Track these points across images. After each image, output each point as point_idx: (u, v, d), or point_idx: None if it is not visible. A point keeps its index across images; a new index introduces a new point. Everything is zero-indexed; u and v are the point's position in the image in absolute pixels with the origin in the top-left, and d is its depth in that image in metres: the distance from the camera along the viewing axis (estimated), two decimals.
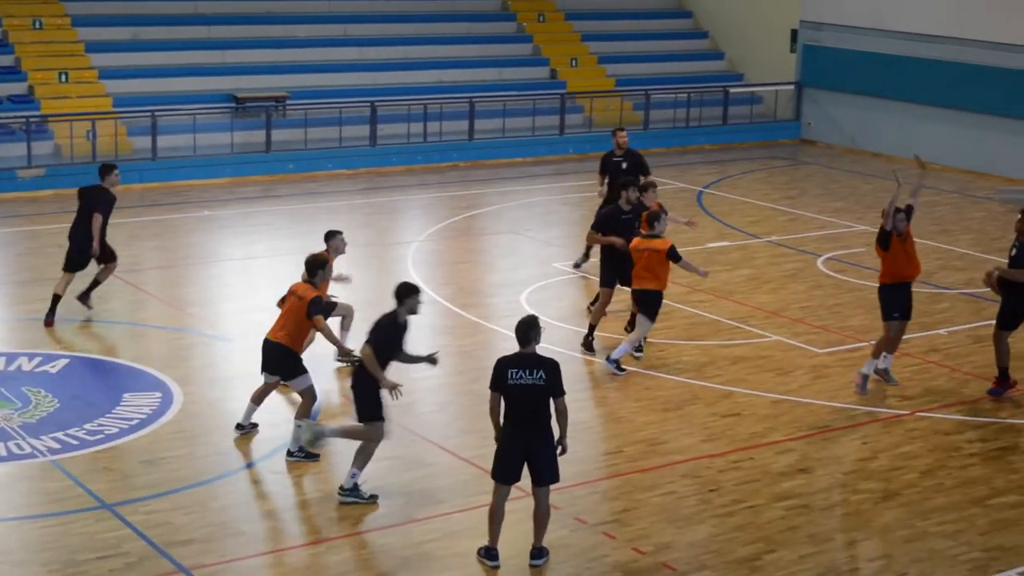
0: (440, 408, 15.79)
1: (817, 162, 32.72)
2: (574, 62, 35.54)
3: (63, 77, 29.25)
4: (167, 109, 28.77)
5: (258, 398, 14.51)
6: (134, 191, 26.63)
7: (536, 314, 12.33)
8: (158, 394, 15.57)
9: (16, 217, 24.42)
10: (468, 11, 36.01)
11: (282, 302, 14.49)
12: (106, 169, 18.27)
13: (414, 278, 20.81)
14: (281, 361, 14.05)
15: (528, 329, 11.64)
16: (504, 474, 11.70)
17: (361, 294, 20.02)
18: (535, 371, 11.50)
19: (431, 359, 13.44)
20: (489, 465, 13.73)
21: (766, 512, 13.08)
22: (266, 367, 14.21)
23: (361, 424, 13.08)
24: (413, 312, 12.98)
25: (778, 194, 28.59)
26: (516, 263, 22.02)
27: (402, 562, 11.93)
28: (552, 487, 11.84)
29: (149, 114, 28.01)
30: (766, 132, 35.32)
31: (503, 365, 11.59)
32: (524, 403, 11.51)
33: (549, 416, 11.61)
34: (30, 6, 30.46)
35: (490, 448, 14.12)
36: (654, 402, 15.89)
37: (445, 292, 20.20)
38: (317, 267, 14.30)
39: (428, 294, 20.09)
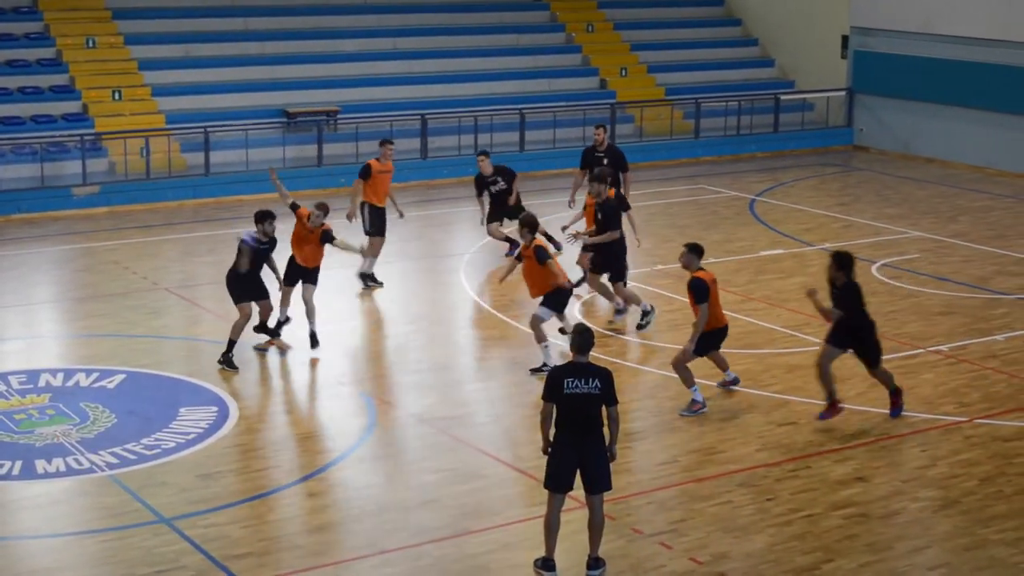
0: (495, 419, 15.78)
1: (870, 168, 32.52)
2: (624, 72, 35.50)
3: (117, 95, 29.49)
4: (219, 125, 28.95)
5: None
6: (187, 207, 26.82)
7: (588, 324, 12.31)
8: (214, 408, 15.64)
9: (72, 234, 24.63)
10: (517, 23, 36.06)
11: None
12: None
13: (467, 290, 20.85)
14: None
15: (588, 338, 11.67)
16: (558, 483, 11.68)
17: (414, 307, 20.10)
18: (591, 380, 11.51)
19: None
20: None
21: (824, 521, 12.99)
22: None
23: None
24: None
25: (831, 201, 28.43)
26: (569, 275, 21.93)
27: (458, 574, 11.92)
28: (607, 497, 11.81)
29: (202, 130, 28.19)
30: (818, 139, 35.15)
31: (559, 375, 11.60)
32: (579, 412, 11.50)
33: (601, 424, 11.61)
34: (83, 25, 30.74)
35: (546, 459, 14.14)
36: (710, 411, 15.81)
37: (498, 304, 20.19)
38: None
39: (481, 306, 20.12)
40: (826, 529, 12.81)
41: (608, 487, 11.72)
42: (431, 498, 13.36)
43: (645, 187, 29.51)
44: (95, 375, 16.81)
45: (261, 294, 17.30)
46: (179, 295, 19.98)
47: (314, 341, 17.68)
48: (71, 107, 29.05)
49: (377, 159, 21.23)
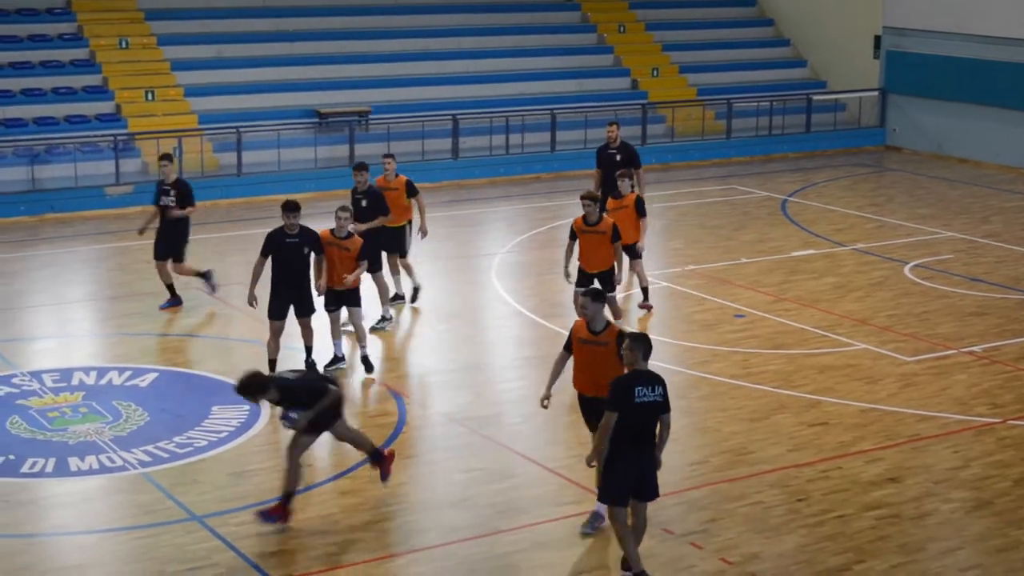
0: (525, 419, 15.77)
1: (903, 169, 32.39)
2: (655, 72, 35.45)
3: (149, 95, 29.63)
4: (251, 125, 29.05)
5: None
6: (220, 207, 26.91)
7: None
8: (246, 407, 15.67)
9: (105, 234, 24.75)
10: (548, 23, 36.06)
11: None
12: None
13: (498, 290, 20.87)
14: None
15: (649, 344, 11.50)
16: (624, 496, 11.42)
17: (446, 306, 20.12)
18: (656, 387, 11.32)
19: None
20: (576, 476, 13.77)
21: (856, 522, 12.94)
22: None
23: None
24: None
25: (864, 201, 28.33)
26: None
27: (488, 573, 11.92)
28: None
29: (234, 130, 28.29)
30: (850, 139, 35.04)
31: (629, 384, 11.29)
32: (643, 421, 11.31)
33: (654, 433, 11.45)
34: (116, 26, 30.89)
35: (576, 458, 14.14)
36: (741, 411, 15.78)
37: (529, 304, 20.20)
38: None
39: (512, 306, 20.13)
40: (858, 530, 12.76)
41: (657, 494, 11.64)
42: (462, 497, 13.37)
43: (677, 187, 29.51)
44: (128, 373, 16.89)
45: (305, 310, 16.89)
46: (211, 294, 20.06)
47: (368, 366, 17.10)
48: (104, 107, 29.20)
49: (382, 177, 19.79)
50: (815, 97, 35.22)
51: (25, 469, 13.92)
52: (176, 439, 14.75)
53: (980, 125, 32.71)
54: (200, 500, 13.27)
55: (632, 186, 19.39)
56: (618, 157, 21.43)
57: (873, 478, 13.96)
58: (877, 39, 35.11)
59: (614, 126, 22.03)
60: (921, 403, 16.03)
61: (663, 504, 13.11)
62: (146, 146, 28.10)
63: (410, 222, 19.63)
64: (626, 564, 11.66)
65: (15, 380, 16.60)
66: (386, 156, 19.98)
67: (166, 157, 19.73)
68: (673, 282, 21.24)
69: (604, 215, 17.71)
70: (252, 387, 12.23)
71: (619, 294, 19.04)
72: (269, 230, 16.64)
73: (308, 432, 12.66)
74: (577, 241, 17.52)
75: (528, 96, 33.08)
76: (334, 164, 29.20)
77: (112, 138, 27.54)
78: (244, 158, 28.21)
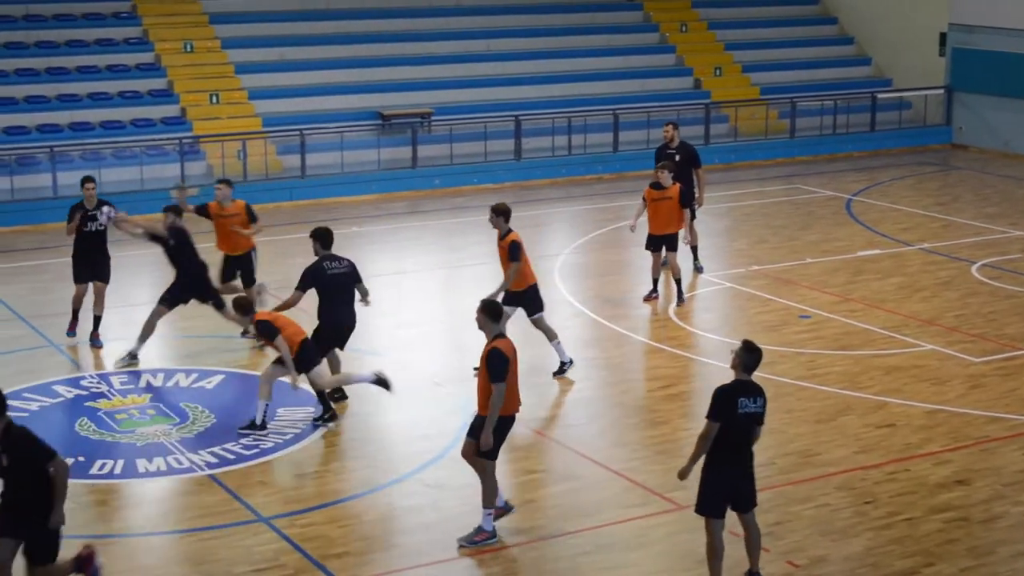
0: (589, 420, 15.76)
1: (970, 167, 32.08)
2: (718, 72, 35.31)
3: (214, 99, 29.86)
4: (315, 128, 29.20)
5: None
6: (284, 209, 27.07)
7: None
8: (311, 409, 15.75)
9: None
10: (610, 23, 35.99)
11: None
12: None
13: (561, 291, 20.85)
14: None
15: (759, 356, 11.26)
16: (720, 508, 11.30)
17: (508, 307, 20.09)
18: (758, 399, 11.18)
19: None
20: (641, 478, 13.75)
21: (923, 525, 12.83)
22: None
23: None
24: None
25: (929, 200, 28.08)
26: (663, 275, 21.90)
27: (553, 575, 11.92)
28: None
29: (298, 133, 28.45)
30: (915, 138, 34.74)
31: (733, 394, 11.11)
32: (744, 432, 11.17)
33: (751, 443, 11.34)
34: (181, 30, 31.16)
35: (641, 461, 14.13)
36: (806, 413, 15.69)
37: (592, 305, 20.17)
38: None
39: (575, 307, 20.11)
40: (926, 533, 12.65)
41: (755, 504, 11.50)
42: (526, 499, 13.37)
43: (740, 187, 29.39)
44: (194, 375, 17.02)
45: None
46: (276, 296, 20.07)
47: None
48: (169, 111, 29.45)
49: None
50: (880, 95, 34.95)
51: (94, 471, 14.06)
52: (243, 441, 14.84)
53: None
54: (267, 502, 13.35)
55: (670, 179, 19.73)
56: (677, 157, 21.29)
57: (941, 480, 13.83)
58: (943, 36, 34.79)
59: (670, 126, 21.94)
60: (989, 404, 15.87)
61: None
62: (211, 149, 28.33)
63: (255, 249, 18.76)
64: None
65: (84, 382, 16.78)
66: (220, 182, 18.83)
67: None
68: (737, 283, 21.14)
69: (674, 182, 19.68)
70: None
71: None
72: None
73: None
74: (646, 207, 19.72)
75: (590, 96, 33.04)
76: (397, 166, 29.31)
77: (177, 141, 27.77)
78: (308, 160, 28.36)
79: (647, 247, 20.19)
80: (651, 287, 20.29)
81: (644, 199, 20.00)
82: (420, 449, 14.72)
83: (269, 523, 12.85)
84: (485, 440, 12.13)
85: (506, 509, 12.67)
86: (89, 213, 18.27)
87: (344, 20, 33.15)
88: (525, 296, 16.86)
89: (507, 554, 12.30)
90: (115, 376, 16.96)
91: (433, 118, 30.80)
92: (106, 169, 27.09)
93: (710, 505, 11.28)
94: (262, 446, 14.69)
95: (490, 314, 12.22)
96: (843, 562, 12.08)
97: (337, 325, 15.59)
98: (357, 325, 15.98)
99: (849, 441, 14.88)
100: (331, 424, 15.29)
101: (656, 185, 19.80)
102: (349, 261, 15.83)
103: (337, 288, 15.55)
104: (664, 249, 19.92)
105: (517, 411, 12.49)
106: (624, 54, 35.02)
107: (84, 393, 16.37)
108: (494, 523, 12.44)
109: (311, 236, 15.82)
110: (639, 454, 14.52)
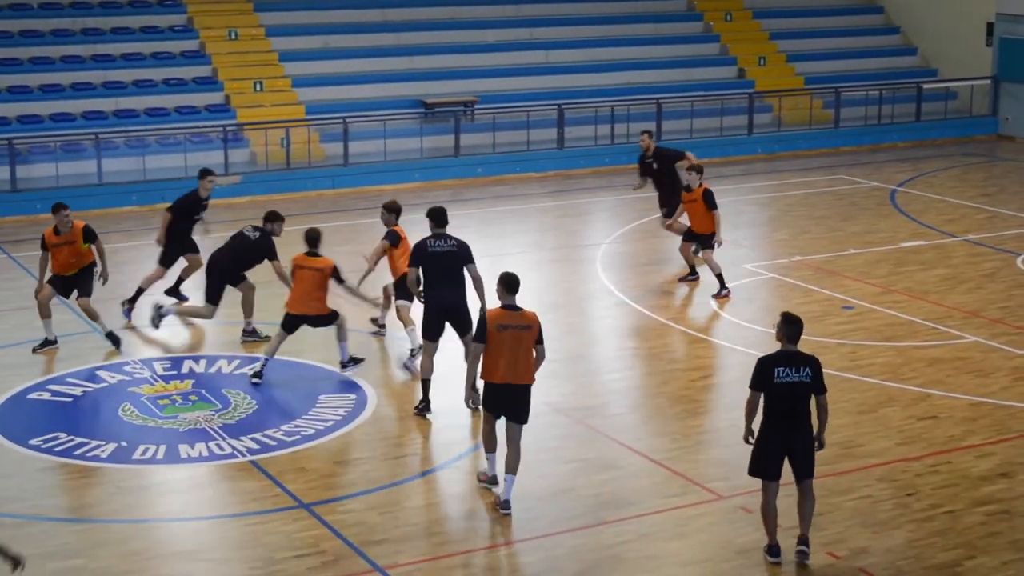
0: (631, 410, 15.74)
1: (1016, 158, 31.82)
2: (762, 61, 35.16)
3: (258, 86, 29.95)
4: (358, 116, 29.25)
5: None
6: (327, 196, 27.14)
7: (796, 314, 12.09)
8: (352, 396, 15.82)
9: (215, 223, 24.97)
10: (654, 12, 35.88)
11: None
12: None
13: (603, 280, 20.83)
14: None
15: (799, 327, 11.71)
16: (766, 472, 11.77)
17: (549, 296, 20.11)
18: (802, 368, 11.58)
19: None
20: (681, 468, 13.76)
21: (966, 517, 12.76)
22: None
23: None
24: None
25: (975, 191, 27.87)
26: (704, 264, 21.84)
27: (594, 564, 11.92)
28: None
29: (341, 121, 28.51)
30: (961, 128, 34.49)
31: (769, 364, 11.63)
32: (788, 401, 11.57)
33: (809, 413, 11.68)
34: (225, 17, 31.27)
35: (682, 450, 14.12)
36: (849, 404, 15.61)
37: (634, 294, 20.14)
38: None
39: (617, 296, 20.08)
40: (968, 526, 12.58)
41: (812, 473, 11.82)
42: (566, 487, 13.37)
43: (783, 177, 29.27)
44: (236, 362, 17.10)
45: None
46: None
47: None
48: (214, 98, 29.56)
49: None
50: (925, 85, 34.69)
51: (137, 456, 14.16)
52: (284, 427, 14.90)
53: None
54: (307, 488, 13.40)
55: (698, 180, 20.03)
56: (655, 165, 21.93)
57: (984, 473, 13.75)
58: (990, 26, 34.52)
59: (646, 135, 22.33)
60: None
61: None
62: (254, 136, 28.43)
63: (93, 263, 17.96)
64: (802, 539, 11.87)
65: (127, 368, 16.89)
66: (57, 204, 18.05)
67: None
68: (780, 273, 21.06)
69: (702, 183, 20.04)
70: None
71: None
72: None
73: None
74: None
75: (634, 85, 32.96)
76: (440, 154, 29.34)
77: (221, 128, 27.88)
78: (351, 148, 28.41)
79: (684, 238, 20.64)
80: (688, 271, 20.68)
81: (681, 202, 20.71)
82: (459, 437, 14.75)
83: (310, 509, 12.91)
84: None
85: (492, 482, 13.22)
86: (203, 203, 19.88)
87: (387, 8, 33.16)
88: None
89: (549, 542, 12.30)
90: (158, 362, 17.06)
91: (476, 107, 30.80)
92: (150, 156, 27.23)
93: (757, 468, 11.82)
94: (303, 433, 14.75)
95: (504, 285, 13.33)
96: (884, 554, 12.02)
97: (438, 302, 15.50)
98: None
99: (891, 433, 14.81)
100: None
101: (686, 188, 20.28)
102: (457, 241, 15.73)
103: (437, 266, 15.52)
104: (698, 244, 20.23)
105: (502, 381, 12.86)
106: (668, 43, 34.91)
107: (127, 379, 16.48)
108: (484, 482, 13.29)
109: (425, 215, 15.93)
110: (680, 444, 14.50)
